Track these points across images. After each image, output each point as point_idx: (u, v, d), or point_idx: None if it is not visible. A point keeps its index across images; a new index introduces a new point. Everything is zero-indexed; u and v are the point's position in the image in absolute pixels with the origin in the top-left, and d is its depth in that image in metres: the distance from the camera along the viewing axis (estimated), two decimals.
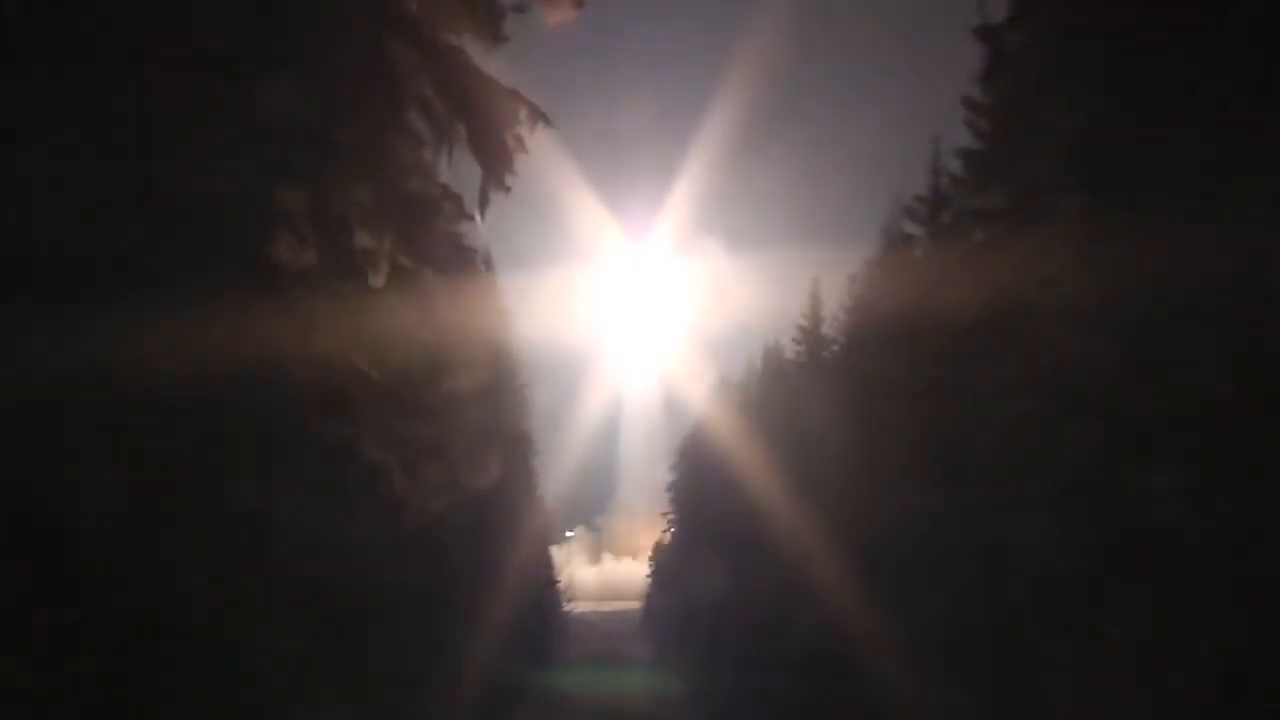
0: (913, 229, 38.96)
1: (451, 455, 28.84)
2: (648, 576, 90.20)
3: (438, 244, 25.15)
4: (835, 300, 46.52)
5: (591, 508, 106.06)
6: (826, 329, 54.05)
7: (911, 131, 33.16)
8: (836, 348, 50.46)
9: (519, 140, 23.78)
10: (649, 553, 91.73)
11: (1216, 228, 23.12)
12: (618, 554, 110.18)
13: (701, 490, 70.75)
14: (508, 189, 24.19)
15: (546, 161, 24.88)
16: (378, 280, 22.24)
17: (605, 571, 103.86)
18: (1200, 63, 23.57)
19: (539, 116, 24.26)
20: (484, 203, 24.27)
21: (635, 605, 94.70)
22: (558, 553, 75.18)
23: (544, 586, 50.86)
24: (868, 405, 37.32)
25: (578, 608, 78.26)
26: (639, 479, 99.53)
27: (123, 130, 18.02)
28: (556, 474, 57.97)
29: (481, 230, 27.10)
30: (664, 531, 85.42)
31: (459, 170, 24.62)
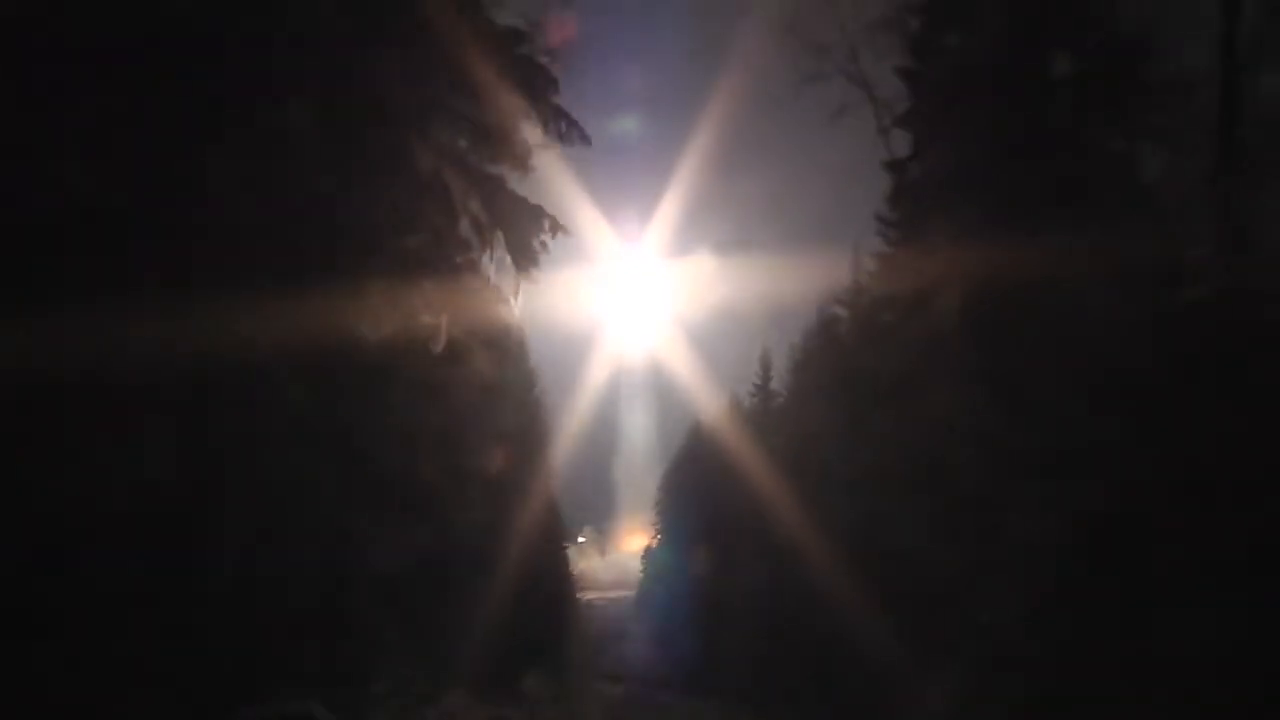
0: (840, 311, 39.89)
1: (490, 480, 29.65)
2: (640, 571, 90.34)
3: (482, 322, 25.93)
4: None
5: (597, 508, 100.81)
6: (775, 385, 54.79)
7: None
8: (782, 400, 51.16)
9: (544, 244, 24.75)
10: (646, 544, 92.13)
11: (1058, 306, 24.31)
12: (620, 549, 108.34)
13: (680, 508, 71.55)
14: (535, 281, 25.06)
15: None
16: (437, 349, 23.09)
17: (610, 565, 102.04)
18: (1039, 193, 24.72)
19: (558, 226, 25.17)
20: (517, 292, 25.17)
21: (636, 590, 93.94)
22: (573, 552, 74.39)
23: (563, 580, 51.23)
24: (806, 443, 38.19)
25: (587, 595, 77.77)
26: (636, 475, 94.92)
27: (257, 253, 18.45)
28: (565, 477, 55.40)
29: (516, 312, 27.73)
30: (652, 537, 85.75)
31: (499, 265, 25.38)
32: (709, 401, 53.05)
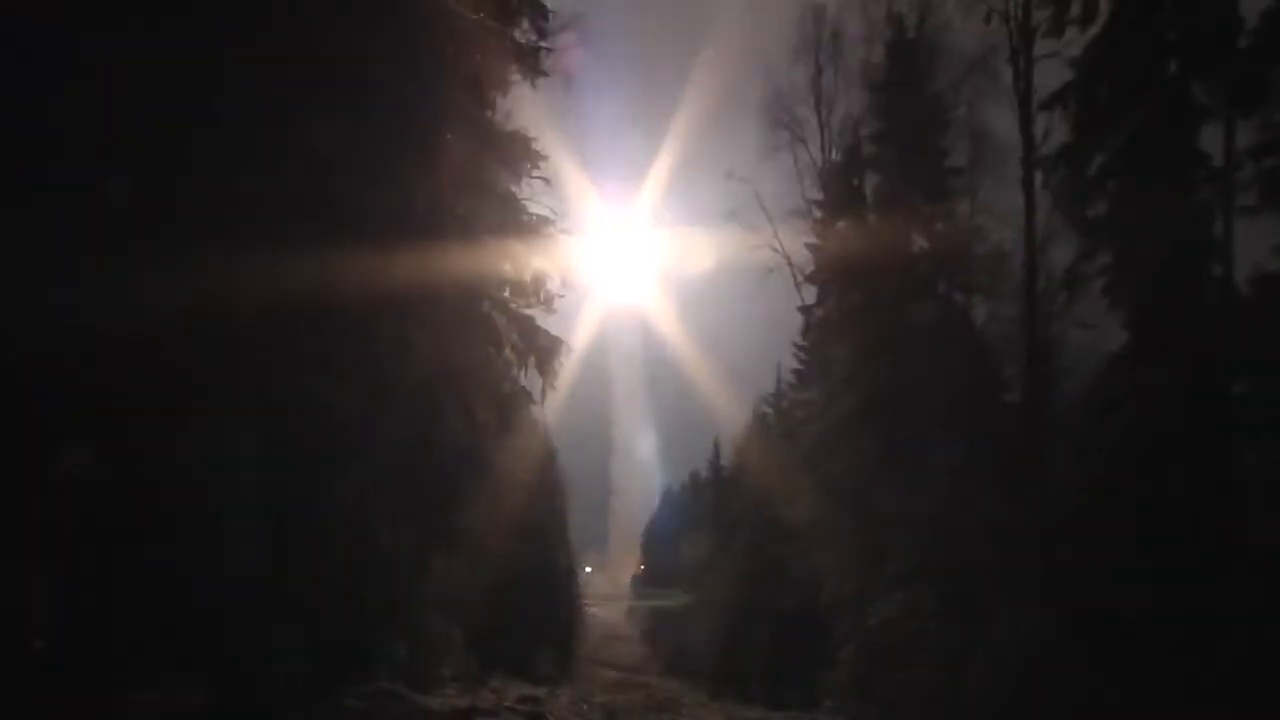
0: (767, 409, 40.15)
1: (522, 527, 29.72)
2: (630, 590, 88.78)
3: (517, 419, 26.09)
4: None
5: (598, 533, 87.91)
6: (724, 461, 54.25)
7: None
8: (726, 475, 50.95)
9: (561, 364, 24.90)
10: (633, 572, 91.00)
11: (920, 410, 25.04)
12: (617, 570, 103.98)
13: (656, 549, 71.15)
14: (555, 389, 25.22)
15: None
16: (486, 442, 23.40)
17: (608, 581, 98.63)
18: (902, 331, 25.45)
19: (570, 349, 25.50)
20: (544, 397, 25.30)
21: (627, 604, 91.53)
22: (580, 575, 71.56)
23: (573, 595, 51.04)
24: (745, 505, 38.34)
25: (590, 605, 75.74)
26: (633, 504, 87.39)
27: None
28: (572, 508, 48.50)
29: (543, 413, 27.82)
30: (638, 567, 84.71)
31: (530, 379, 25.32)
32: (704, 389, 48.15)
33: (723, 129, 38.97)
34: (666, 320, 49.98)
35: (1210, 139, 19.11)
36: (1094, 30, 20.49)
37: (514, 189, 23.79)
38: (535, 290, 24.66)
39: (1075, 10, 20.70)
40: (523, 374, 25.29)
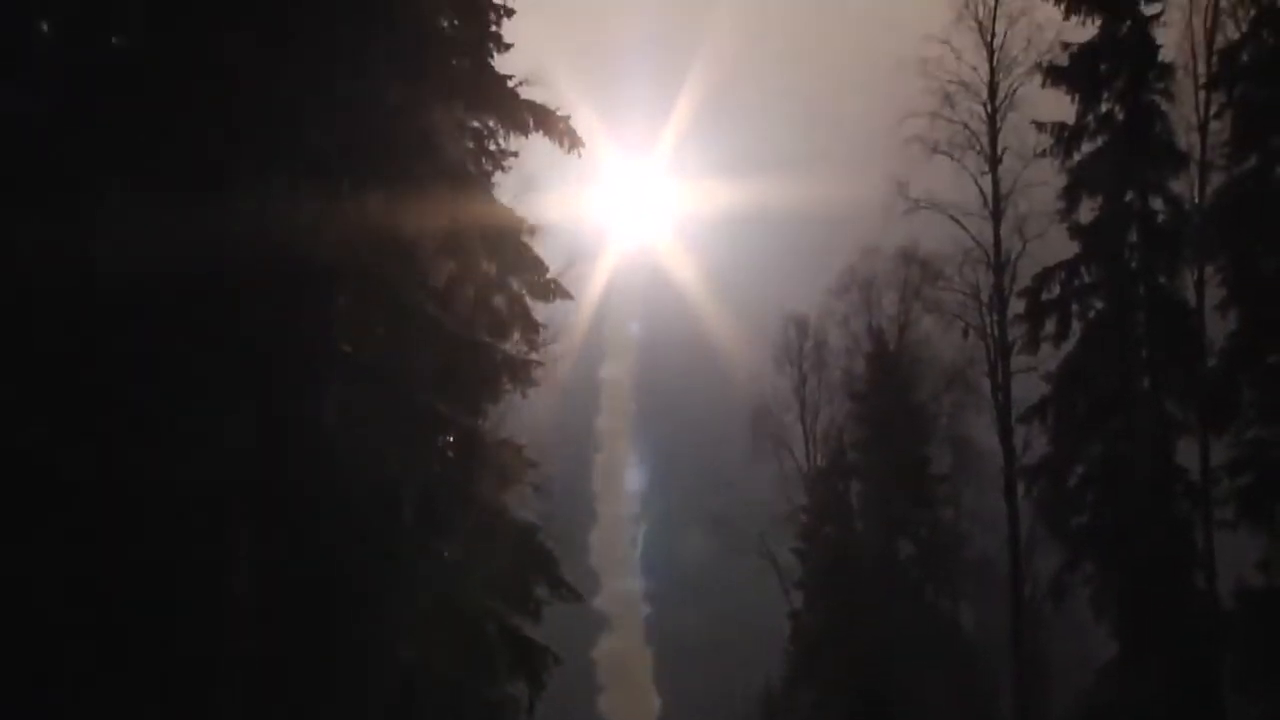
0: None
1: None
2: None
3: None
4: None
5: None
6: None
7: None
8: None
9: (550, 675, 24.44)
10: None
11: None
12: None
13: None
14: (541, 700, 24.65)
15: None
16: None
17: None
18: (893, 641, 25.36)
19: (559, 658, 25.01)
20: (532, 710, 24.79)
21: None
22: None
23: None
24: None
25: None
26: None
27: None
28: None
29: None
30: None
31: None
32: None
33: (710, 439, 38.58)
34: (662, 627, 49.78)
35: (1186, 452, 19.77)
36: (1068, 346, 21.45)
37: (502, 496, 23.87)
38: (524, 600, 24.52)
39: (1049, 328, 21.74)
40: (509, 684, 24.86)
